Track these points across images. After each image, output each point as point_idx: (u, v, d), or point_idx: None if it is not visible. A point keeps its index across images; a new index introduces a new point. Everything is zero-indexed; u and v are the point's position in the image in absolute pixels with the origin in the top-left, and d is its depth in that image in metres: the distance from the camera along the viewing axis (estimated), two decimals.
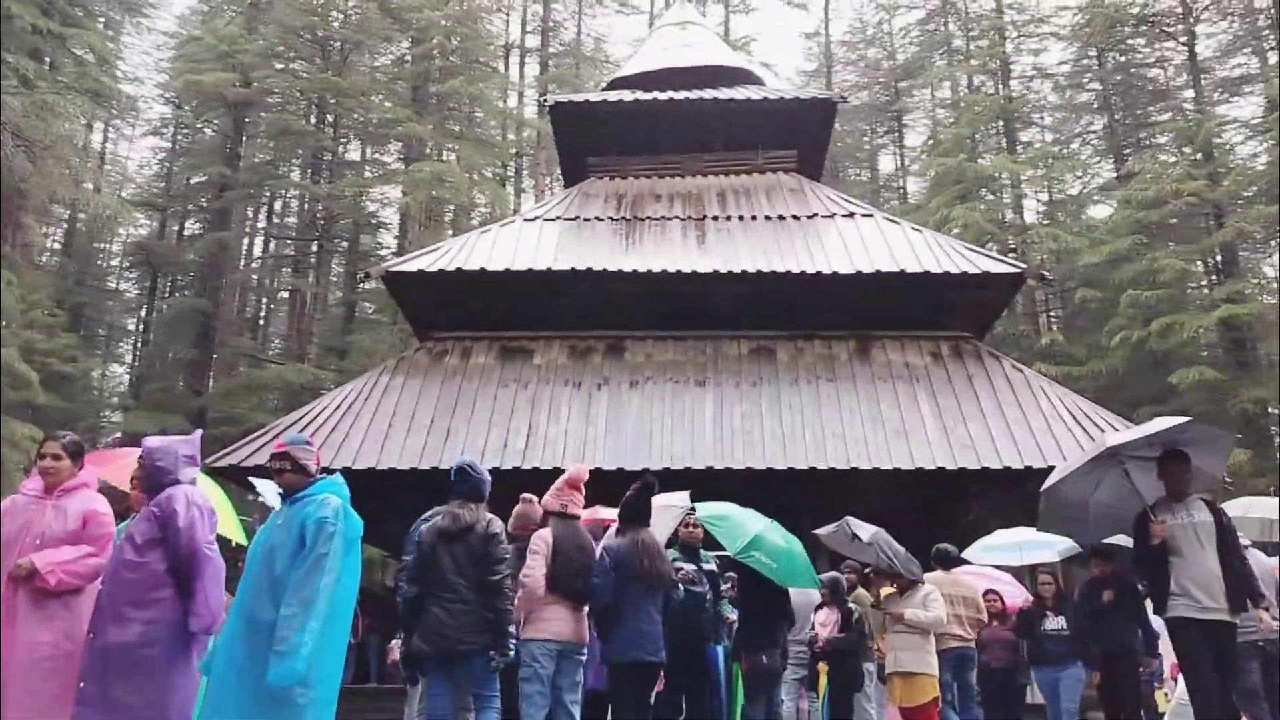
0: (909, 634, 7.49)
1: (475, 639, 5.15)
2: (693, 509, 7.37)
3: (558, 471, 13.18)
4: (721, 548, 7.99)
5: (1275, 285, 35.32)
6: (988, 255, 15.97)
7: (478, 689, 5.28)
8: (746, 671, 6.23)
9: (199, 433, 5.00)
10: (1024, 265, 16.08)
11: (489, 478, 5.67)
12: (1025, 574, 11.60)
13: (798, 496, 13.22)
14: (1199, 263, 32.74)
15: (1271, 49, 36.38)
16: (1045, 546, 9.42)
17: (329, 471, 4.63)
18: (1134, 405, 26.97)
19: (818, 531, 8.57)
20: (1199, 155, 34.90)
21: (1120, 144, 40.29)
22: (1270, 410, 33.46)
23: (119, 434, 33.37)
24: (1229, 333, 32.08)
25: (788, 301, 15.34)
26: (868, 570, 8.77)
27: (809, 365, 14.82)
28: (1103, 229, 35.26)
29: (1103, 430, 13.32)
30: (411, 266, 15.70)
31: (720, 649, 7.10)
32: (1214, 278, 33.77)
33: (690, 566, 6.99)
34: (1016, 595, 10.05)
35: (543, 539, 5.61)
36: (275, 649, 3.92)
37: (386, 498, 15.89)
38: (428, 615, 5.16)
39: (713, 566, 7.27)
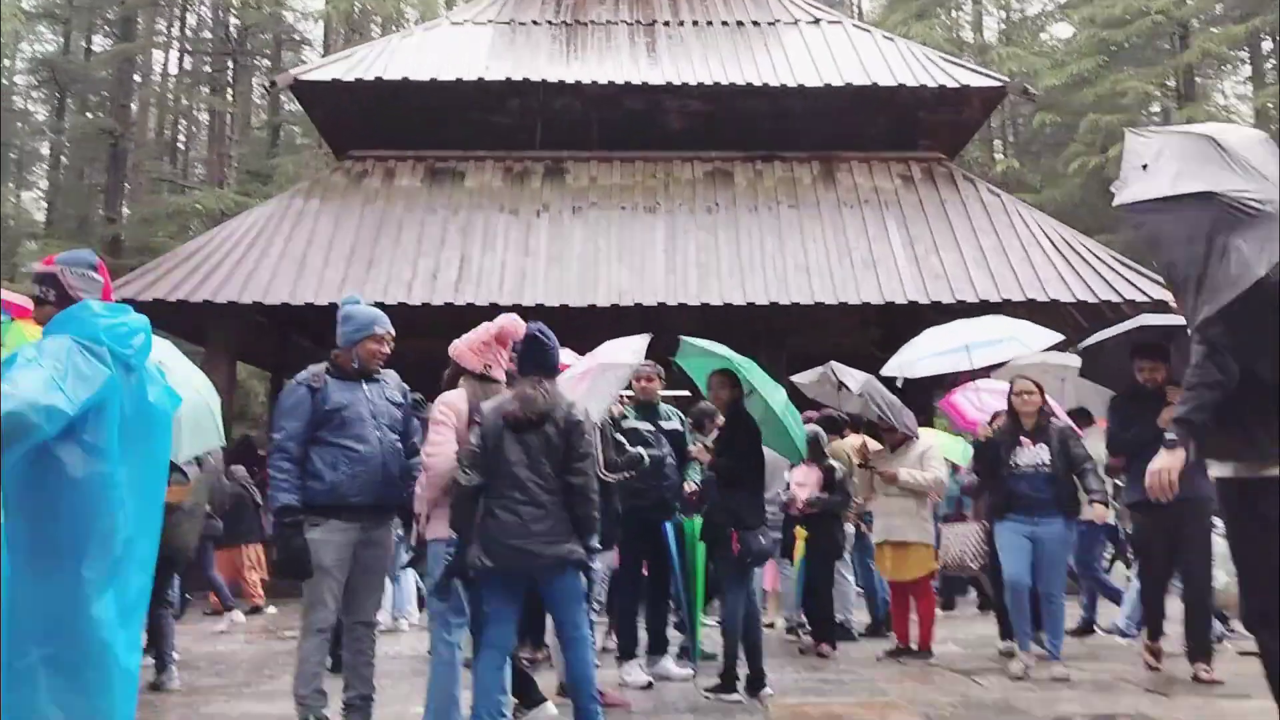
0: (903, 497, 6.53)
1: (553, 551, 3.99)
2: (653, 364, 6.08)
3: (494, 309, 11.92)
4: (686, 401, 6.88)
5: (1241, 110, 34.48)
6: (966, 68, 14.57)
7: (561, 615, 4.14)
8: (738, 553, 5.13)
9: None
10: (1006, 79, 14.69)
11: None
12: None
13: (758, 334, 12.17)
14: (1160, 86, 31.60)
15: None
16: (1004, 342, 7.13)
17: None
18: (1090, 233, 26.30)
19: (797, 379, 7.50)
20: None
21: None
22: None
23: (36, 264, 31.40)
24: None
25: (747, 119, 13.88)
26: (843, 417, 7.76)
27: (769, 190, 13.50)
28: (1064, 50, 33.95)
29: (1086, 261, 12.35)
30: (324, 75, 13.89)
31: (669, 525, 5.93)
32: (1175, 102, 32.75)
33: (646, 426, 5.86)
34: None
35: (451, 406, 4.25)
36: None
37: (305, 333, 14.60)
38: (490, 520, 4.02)
39: (676, 424, 6.15)
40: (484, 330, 4.41)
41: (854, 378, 6.87)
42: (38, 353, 2.71)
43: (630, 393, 6.08)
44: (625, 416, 5.88)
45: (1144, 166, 3.54)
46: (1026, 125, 35.36)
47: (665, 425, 6.05)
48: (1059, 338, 7.34)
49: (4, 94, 33.19)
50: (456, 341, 4.46)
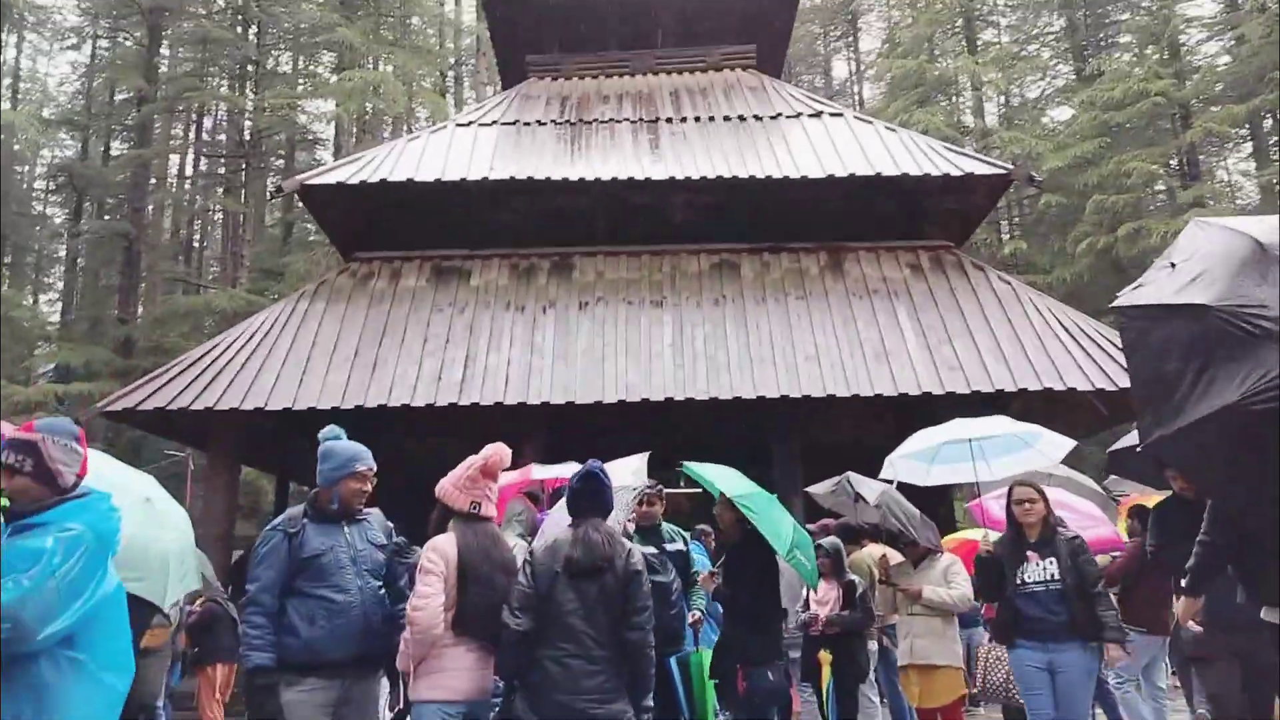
0: (928, 616, 6.16)
1: (604, 711, 3.69)
2: (655, 485, 5.80)
3: (499, 408, 11.86)
4: (688, 522, 6.59)
5: (1245, 186, 34.61)
6: (970, 156, 14.53)
7: None
8: (745, 693, 4.74)
9: None
10: (1010, 166, 14.66)
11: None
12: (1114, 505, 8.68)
13: (769, 428, 11.96)
14: (1164, 166, 31.81)
15: None
16: (1021, 451, 6.67)
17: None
18: (1101, 314, 26.18)
19: (812, 490, 7.23)
20: (1165, 54, 33.80)
21: (1081, 44, 39.03)
22: None
23: (51, 366, 31.67)
24: None
25: (752, 210, 13.85)
26: (862, 526, 7.42)
27: (776, 281, 13.39)
28: (1065, 132, 34.28)
29: (1101, 348, 12.12)
30: (330, 179, 13.94)
31: (673, 660, 5.40)
32: (1179, 181, 32.95)
33: (650, 550, 5.55)
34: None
35: (440, 553, 3.91)
36: None
37: (306, 437, 14.41)
38: (538, 671, 3.76)
39: (680, 545, 5.82)
40: (468, 465, 4.12)
41: (871, 488, 6.58)
42: (60, 554, 2.74)
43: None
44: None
45: (1172, 264, 3.19)
46: (1032, 206, 35.57)
47: (670, 548, 5.71)
48: (1072, 444, 6.92)
49: (12, 199, 33.68)
50: (442, 481, 4.18)
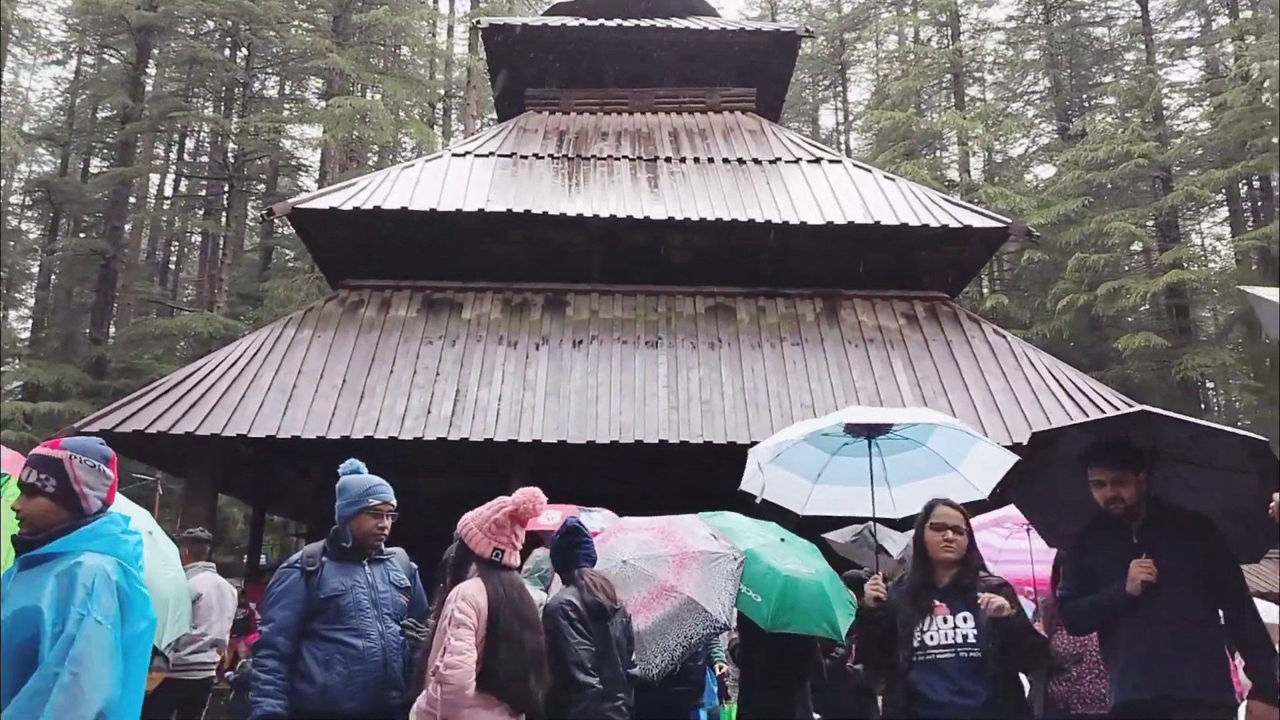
0: None
1: None
2: None
3: (489, 445, 11.62)
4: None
5: (1219, 250, 35.10)
6: (967, 208, 14.55)
7: None
8: None
9: None
10: (1008, 220, 14.68)
11: None
12: None
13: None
14: (1142, 226, 32.26)
15: (1217, 11, 35.90)
16: (861, 483, 4.63)
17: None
18: (1081, 370, 26.38)
19: (829, 537, 7.02)
20: (1150, 118, 34.37)
21: (1065, 104, 39.66)
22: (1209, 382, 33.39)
23: (20, 383, 31.11)
24: (1173, 299, 31.97)
25: (750, 254, 13.76)
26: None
27: (772, 326, 13.27)
28: (1048, 190, 34.72)
29: (1095, 404, 12.06)
30: (322, 204, 13.72)
31: (703, 712, 5.28)
32: (1157, 242, 33.42)
33: None
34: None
35: (472, 604, 3.52)
36: None
37: (290, 466, 14.08)
38: None
39: None
40: (498, 507, 3.78)
41: (895, 541, 6.37)
42: (92, 595, 2.45)
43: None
44: None
45: None
46: (1014, 262, 35.92)
47: None
48: (1011, 461, 4.46)
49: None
50: (465, 518, 3.83)
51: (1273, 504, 3.53)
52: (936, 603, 3.82)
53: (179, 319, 31.78)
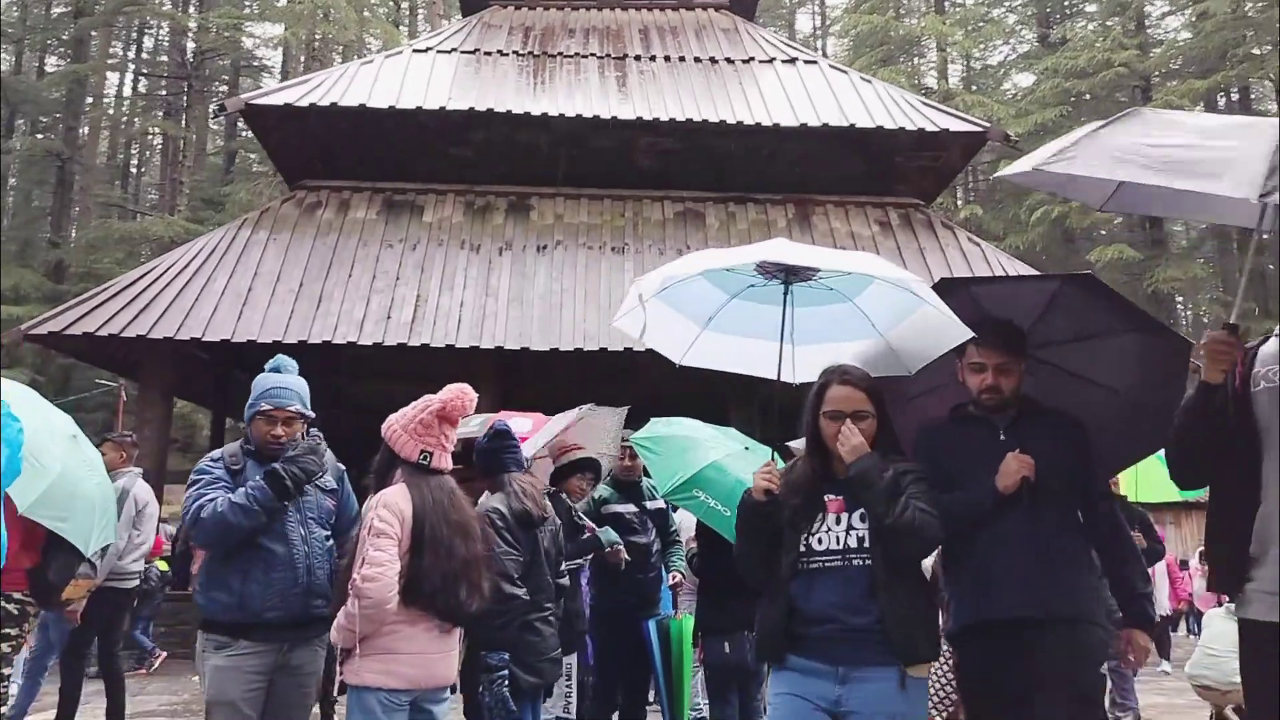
0: None
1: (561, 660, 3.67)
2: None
3: (450, 351, 11.34)
4: None
5: None
6: (946, 112, 14.17)
7: None
8: (703, 663, 4.46)
9: None
10: (987, 125, 14.33)
11: None
12: None
13: (731, 384, 11.55)
14: None
15: None
16: (768, 335, 3.53)
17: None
18: None
19: (794, 445, 6.81)
20: (1131, 25, 33.80)
21: (1047, 10, 38.92)
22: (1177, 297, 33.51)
23: None
24: None
25: (720, 158, 13.35)
26: None
27: (742, 232, 12.95)
28: (1027, 99, 34.26)
29: None
30: (277, 99, 13.16)
31: (651, 623, 5.09)
32: None
33: (630, 509, 5.16)
34: None
35: (393, 510, 3.27)
36: None
37: (245, 370, 13.74)
38: (531, 635, 3.64)
39: (660, 503, 5.43)
40: (423, 406, 3.50)
41: None
42: None
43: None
44: (605, 500, 5.18)
45: None
46: (989, 172, 35.57)
47: (650, 506, 5.33)
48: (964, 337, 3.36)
49: None
50: (389, 420, 3.55)
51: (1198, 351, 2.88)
52: (829, 498, 3.05)
53: (139, 223, 31.12)
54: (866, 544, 2.97)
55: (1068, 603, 3.08)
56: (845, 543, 2.99)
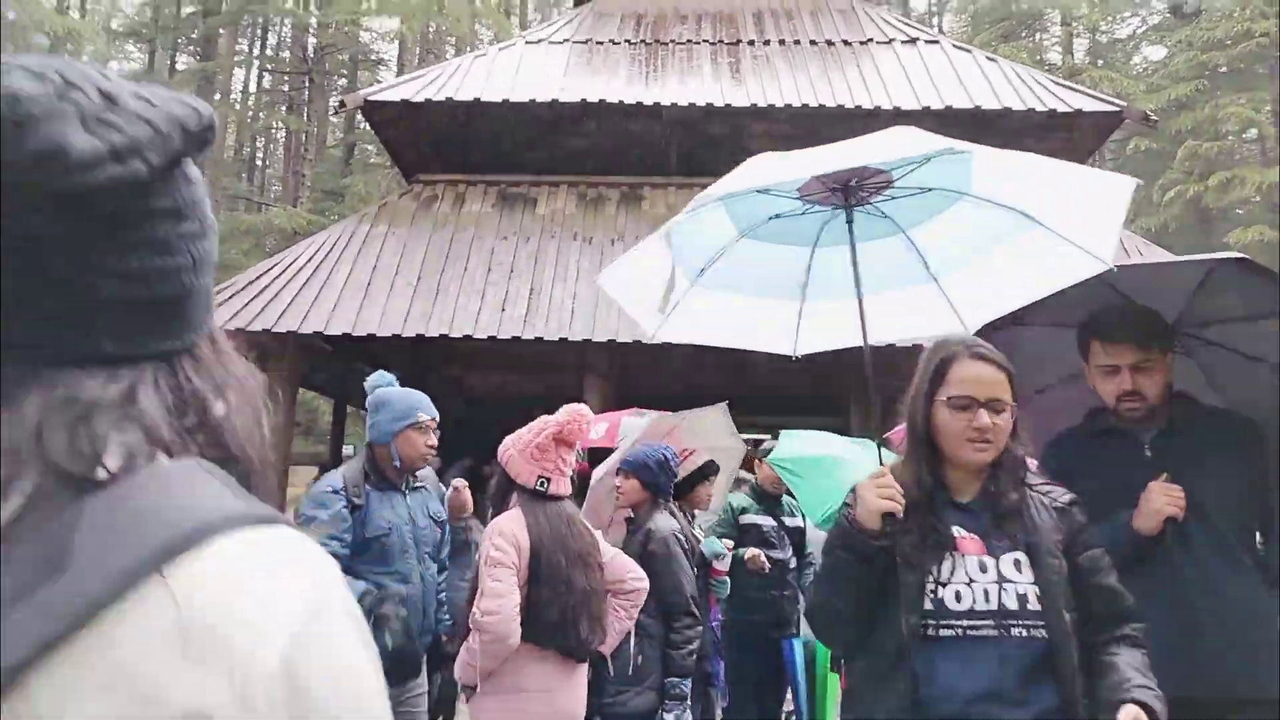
0: None
1: None
2: (753, 444, 5.19)
3: (564, 344, 11.31)
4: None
5: None
6: (1079, 91, 13.50)
7: None
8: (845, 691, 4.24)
9: None
10: (1123, 104, 13.61)
11: None
12: None
13: (854, 385, 11.25)
14: (1262, 113, 30.13)
15: None
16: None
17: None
18: None
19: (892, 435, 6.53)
20: None
21: None
22: None
23: None
24: None
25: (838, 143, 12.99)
26: None
27: None
28: (1158, 74, 32.67)
29: None
30: (394, 95, 13.30)
31: (797, 642, 4.85)
32: (1278, 130, 31.24)
33: (769, 523, 4.93)
34: None
35: (512, 542, 3.11)
36: None
37: (368, 364, 14.01)
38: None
39: (800, 521, 5.17)
40: (538, 429, 3.32)
41: None
42: None
43: (749, 475, 5.17)
44: (745, 509, 4.96)
45: None
46: (1118, 151, 34.03)
47: (789, 522, 5.08)
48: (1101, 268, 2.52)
49: None
50: (506, 443, 3.38)
51: None
52: (960, 534, 2.11)
53: (264, 214, 32.14)
54: (1030, 602, 2.02)
55: (1244, 678, 2.33)
56: (996, 600, 2.04)
